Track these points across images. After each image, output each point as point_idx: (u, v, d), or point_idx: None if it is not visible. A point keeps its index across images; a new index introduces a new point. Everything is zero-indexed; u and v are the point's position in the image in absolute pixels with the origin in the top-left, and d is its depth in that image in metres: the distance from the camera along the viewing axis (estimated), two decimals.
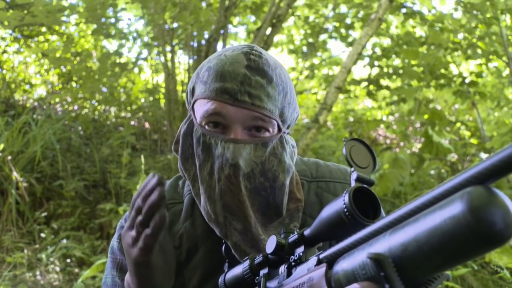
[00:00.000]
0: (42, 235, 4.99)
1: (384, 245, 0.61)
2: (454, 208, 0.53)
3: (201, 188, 1.16)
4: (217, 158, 1.13)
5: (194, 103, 1.20)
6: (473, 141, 7.57)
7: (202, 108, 1.16)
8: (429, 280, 0.62)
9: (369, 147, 0.81)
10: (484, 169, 0.53)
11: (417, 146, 7.04)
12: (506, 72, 6.95)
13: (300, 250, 0.85)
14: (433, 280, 0.62)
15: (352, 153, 0.79)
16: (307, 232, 0.85)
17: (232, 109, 1.13)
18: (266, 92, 1.14)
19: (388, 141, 8.22)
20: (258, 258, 0.95)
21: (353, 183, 0.77)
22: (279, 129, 1.19)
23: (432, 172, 6.51)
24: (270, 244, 0.89)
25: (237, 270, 1.01)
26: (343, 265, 0.68)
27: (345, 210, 0.73)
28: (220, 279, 1.05)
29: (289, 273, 0.86)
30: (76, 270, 4.57)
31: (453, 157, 7.13)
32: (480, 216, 0.51)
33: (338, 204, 0.75)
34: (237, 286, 1.01)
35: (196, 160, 1.17)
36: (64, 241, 4.89)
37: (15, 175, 5.19)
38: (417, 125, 7.55)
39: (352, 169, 0.78)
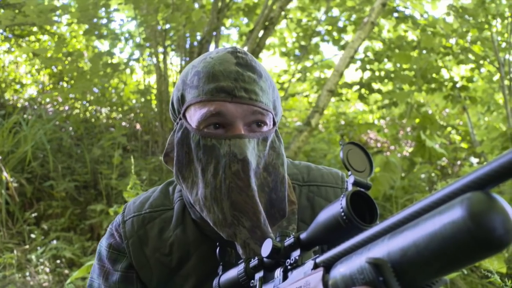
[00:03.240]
0: (32, 235, 4.95)
1: (382, 249, 0.61)
2: (454, 214, 0.53)
3: (205, 193, 1.12)
4: (223, 157, 1.11)
5: (185, 110, 1.18)
6: (464, 145, 7.60)
7: (198, 112, 1.14)
8: (427, 285, 0.62)
9: (366, 151, 0.80)
10: (483, 175, 0.52)
11: (407, 150, 7.06)
12: (496, 77, 6.99)
13: (296, 253, 0.85)
14: (431, 285, 0.62)
15: (349, 157, 0.78)
16: (303, 235, 0.84)
17: (231, 106, 1.12)
18: (260, 86, 1.15)
19: (379, 145, 8.24)
20: (254, 261, 0.94)
21: (350, 187, 0.76)
22: (274, 123, 1.20)
23: (423, 176, 6.54)
24: (266, 248, 0.88)
25: (232, 273, 1.00)
26: (341, 270, 0.68)
27: (342, 214, 0.72)
28: (215, 282, 1.05)
29: (285, 277, 0.85)
30: (66, 271, 4.54)
31: (443, 161, 7.16)
32: (480, 221, 0.51)
33: (335, 208, 0.74)
34: None
35: (198, 165, 1.14)
36: (54, 242, 4.85)
37: (5, 175, 5.15)
38: (408, 129, 7.57)
39: (349, 173, 0.77)
